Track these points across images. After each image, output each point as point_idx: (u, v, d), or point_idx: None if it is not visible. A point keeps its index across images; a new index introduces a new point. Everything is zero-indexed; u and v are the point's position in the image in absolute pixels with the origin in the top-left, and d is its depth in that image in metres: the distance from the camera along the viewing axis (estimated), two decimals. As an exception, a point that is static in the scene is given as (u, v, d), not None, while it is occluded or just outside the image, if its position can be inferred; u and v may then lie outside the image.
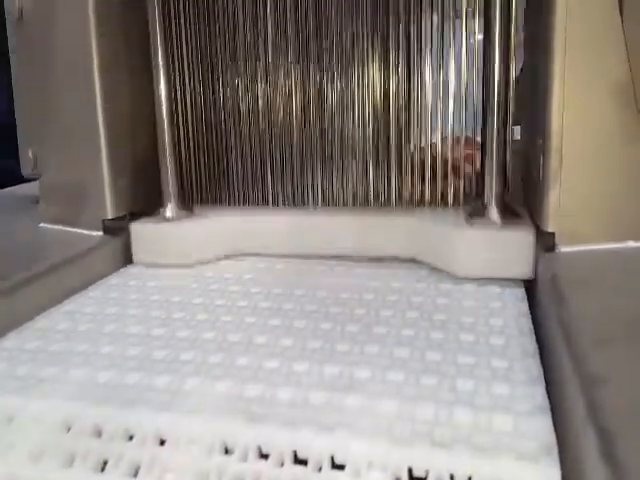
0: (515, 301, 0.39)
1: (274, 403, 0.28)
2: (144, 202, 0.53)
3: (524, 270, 0.42)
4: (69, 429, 0.27)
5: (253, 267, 0.49)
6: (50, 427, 0.27)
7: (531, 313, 0.38)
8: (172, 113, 0.51)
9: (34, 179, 0.60)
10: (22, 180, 0.68)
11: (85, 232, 0.49)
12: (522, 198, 0.50)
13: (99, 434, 0.27)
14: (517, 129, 0.72)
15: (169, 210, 0.51)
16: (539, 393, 0.27)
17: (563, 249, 0.40)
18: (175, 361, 0.32)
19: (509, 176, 0.48)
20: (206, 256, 0.50)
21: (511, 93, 0.48)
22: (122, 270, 0.49)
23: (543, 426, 0.25)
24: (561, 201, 0.40)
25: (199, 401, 0.28)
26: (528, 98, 0.50)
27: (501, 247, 0.42)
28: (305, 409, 0.27)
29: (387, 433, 0.25)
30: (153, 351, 0.33)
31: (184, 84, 0.55)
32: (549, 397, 0.28)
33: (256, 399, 0.28)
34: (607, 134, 0.39)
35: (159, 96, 0.50)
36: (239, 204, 0.55)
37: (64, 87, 0.50)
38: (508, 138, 0.47)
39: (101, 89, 0.48)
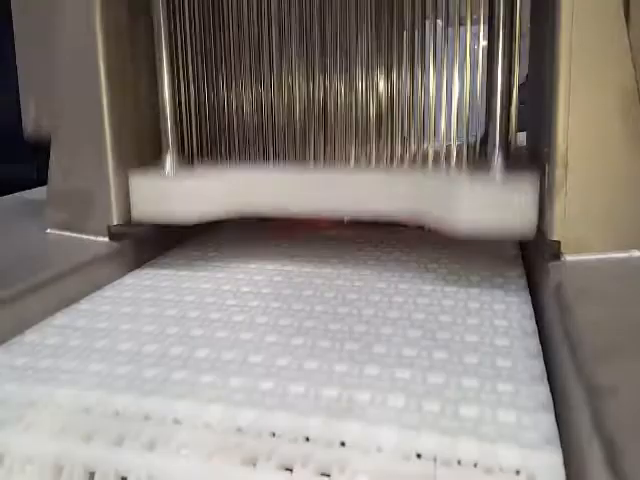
0: (521, 319, 0.39)
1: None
2: None
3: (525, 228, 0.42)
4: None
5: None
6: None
7: (536, 322, 0.38)
8: (172, 67, 0.51)
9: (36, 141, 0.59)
10: (30, 186, 0.68)
11: (91, 238, 0.50)
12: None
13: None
14: (522, 135, 0.72)
15: (169, 165, 0.51)
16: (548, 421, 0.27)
17: (568, 258, 0.40)
18: (190, 357, 0.33)
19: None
20: (206, 213, 0.49)
21: (514, 99, 0.48)
22: (127, 276, 0.49)
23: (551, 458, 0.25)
24: (566, 209, 0.40)
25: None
26: (533, 105, 0.51)
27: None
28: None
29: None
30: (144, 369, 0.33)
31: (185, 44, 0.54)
32: (554, 408, 0.28)
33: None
34: (613, 143, 0.40)
35: (159, 49, 0.50)
36: (240, 161, 0.55)
37: (70, 91, 0.50)
38: (511, 144, 0.47)
39: (107, 93, 0.48)
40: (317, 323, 0.38)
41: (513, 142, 0.48)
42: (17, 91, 0.62)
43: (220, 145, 0.56)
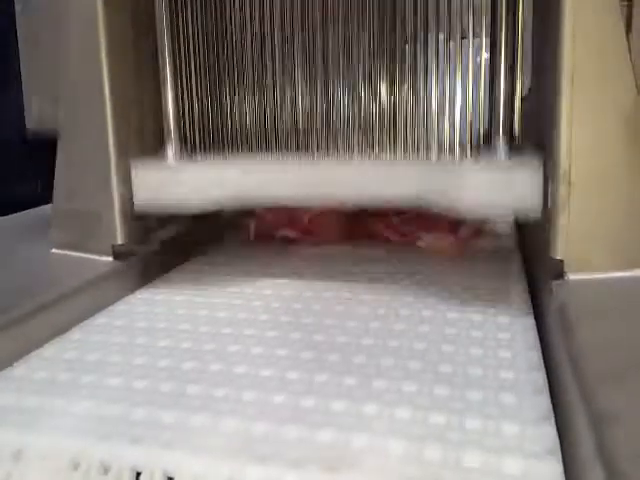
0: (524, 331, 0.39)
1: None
2: (155, 226, 0.54)
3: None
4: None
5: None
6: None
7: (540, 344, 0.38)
8: (175, 53, 0.51)
9: (39, 136, 0.60)
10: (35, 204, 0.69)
11: (96, 258, 0.50)
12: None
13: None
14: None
15: (170, 155, 0.51)
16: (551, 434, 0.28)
17: (572, 277, 0.40)
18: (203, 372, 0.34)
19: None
20: (206, 202, 0.49)
21: (517, 112, 0.48)
22: (131, 296, 0.49)
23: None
24: (569, 228, 0.40)
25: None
26: (535, 122, 0.51)
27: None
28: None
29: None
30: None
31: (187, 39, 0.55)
32: (558, 434, 0.28)
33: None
34: (616, 161, 0.40)
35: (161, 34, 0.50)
36: (241, 151, 0.55)
37: (74, 110, 0.51)
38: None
39: (112, 108, 0.49)
40: (326, 337, 0.39)
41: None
42: (21, 107, 0.62)
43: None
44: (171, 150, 0.51)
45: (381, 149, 0.54)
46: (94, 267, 0.48)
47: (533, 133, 0.50)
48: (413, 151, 0.53)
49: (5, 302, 0.40)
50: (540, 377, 0.32)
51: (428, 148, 0.53)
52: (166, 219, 0.57)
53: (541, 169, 0.42)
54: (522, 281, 0.49)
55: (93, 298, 0.45)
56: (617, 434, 0.22)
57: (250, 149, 0.56)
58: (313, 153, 0.55)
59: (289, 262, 0.57)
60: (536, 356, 0.35)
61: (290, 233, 0.63)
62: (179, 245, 0.58)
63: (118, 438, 0.28)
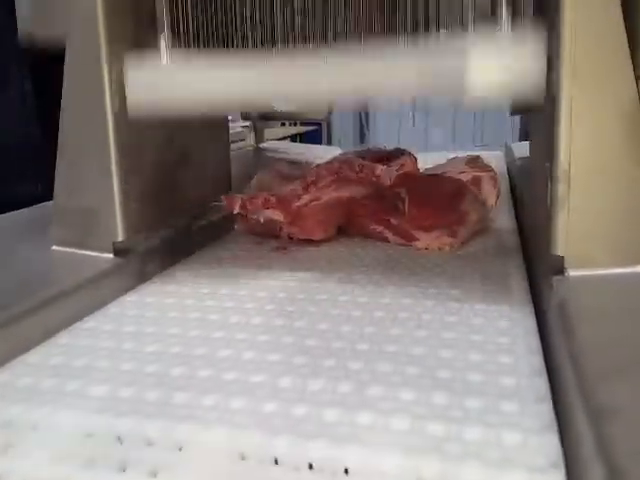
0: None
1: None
2: (155, 223, 0.54)
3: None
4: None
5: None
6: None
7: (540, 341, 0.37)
8: None
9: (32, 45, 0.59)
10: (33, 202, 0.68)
11: (96, 254, 0.50)
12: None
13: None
14: (527, 145, 0.72)
15: (163, 51, 0.49)
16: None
17: (572, 273, 0.40)
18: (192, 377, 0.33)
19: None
20: (201, 103, 0.48)
21: None
22: (131, 292, 0.49)
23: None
24: (570, 225, 0.40)
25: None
26: (535, 121, 0.50)
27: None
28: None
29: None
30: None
31: None
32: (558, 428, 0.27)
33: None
34: (615, 158, 0.40)
35: None
36: (239, 46, 0.52)
37: (75, 109, 0.50)
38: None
39: (112, 110, 0.49)
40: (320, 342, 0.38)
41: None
42: (20, 108, 0.62)
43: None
44: (164, 46, 0.49)
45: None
46: (95, 264, 0.48)
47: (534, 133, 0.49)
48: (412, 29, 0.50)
49: (5, 300, 0.40)
50: (542, 384, 0.31)
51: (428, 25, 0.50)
52: (166, 215, 0.56)
53: (543, 46, 0.40)
54: (523, 281, 0.48)
55: (94, 294, 0.45)
56: (618, 430, 0.22)
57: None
58: (310, 39, 0.51)
59: (284, 263, 0.56)
60: (538, 361, 0.34)
61: (277, 216, 0.59)
62: (179, 242, 0.58)
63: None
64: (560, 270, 0.40)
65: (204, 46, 0.52)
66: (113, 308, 0.45)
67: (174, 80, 0.48)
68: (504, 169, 1.00)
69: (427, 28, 0.47)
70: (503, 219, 0.68)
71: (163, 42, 0.50)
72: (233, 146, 0.99)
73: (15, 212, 0.72)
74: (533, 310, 0.42)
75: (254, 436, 0.28)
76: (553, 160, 0.40)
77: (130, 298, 0.47)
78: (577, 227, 0.40)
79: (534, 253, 0.52)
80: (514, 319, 0.40)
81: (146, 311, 0.44)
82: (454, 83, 0.41)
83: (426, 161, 0.86)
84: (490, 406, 0.29)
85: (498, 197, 0.69)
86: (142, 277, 0.52)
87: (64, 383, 0.33)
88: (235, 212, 0.61)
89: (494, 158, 0.99)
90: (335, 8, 0.50)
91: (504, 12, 0.42)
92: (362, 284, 0.48)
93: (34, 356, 0.37)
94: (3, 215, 0.70)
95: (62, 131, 0.52)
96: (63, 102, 0.51)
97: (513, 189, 0.85)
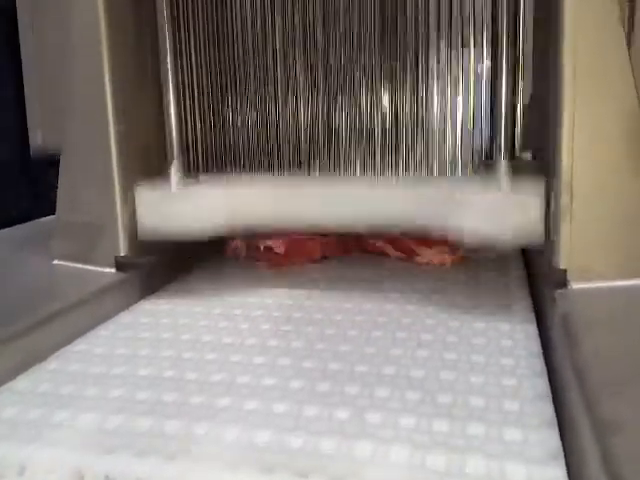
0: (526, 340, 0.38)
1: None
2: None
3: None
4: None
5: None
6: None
7: (543, 353, 0.37)
8: (177, 79, 0.51)
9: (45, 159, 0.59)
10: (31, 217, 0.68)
11: (98, 269, 0.50)
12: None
13: None
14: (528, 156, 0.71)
15: (174, 178, 0.50)
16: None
17: (575, 286, 0.39)
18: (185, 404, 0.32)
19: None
20: (209, 225, 0.49)
21: (519, 118, 0.47)
22: (134, 306, 0.49)
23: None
24: (572, 237, 0.39)
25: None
26: (537, 131, 0.50)
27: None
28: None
29: None
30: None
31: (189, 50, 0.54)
32: (562, 443, 0.27)
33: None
34: (617, 169, 0.39)
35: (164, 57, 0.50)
36: (245, 171, 0.54)
37: (78, 124, 0.50)
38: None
39: (115, 123, 0.48)
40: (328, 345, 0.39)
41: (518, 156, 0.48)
42: (20, 117, 0.63)
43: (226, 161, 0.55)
44: (174, 173, 0.50)
45: (383, 154, 0.52)
46: (97, 279, 0.48)
47: (534, 141, 0.50)
48: (415, 169, 0.52)
49: (8, 315, 0.40)
50: (548, 409, 0.30)
51: (429, 167, 0.52)
52: None
53: (542, 195, 0.41)
54: (525, 298, 0.47)
55: (96, 310, 0.45)
56: (621, 443, 0.22)
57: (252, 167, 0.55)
58: (315, 170, 0.53)
59: (280, 280, 0.55)
60: (542, 384, 0.33)
61: (277, 248, 0.59)
62: (180, 256, 0.58)
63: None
64: (563, 283, 0.40)
65: (213, 170, 0.54)
66: (104, 330, 0.44)
67: (182, 206, 0.49)
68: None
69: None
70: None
71: (173, 169, 0.51)
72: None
73: (14, 227, 0.71)
74: (536, 328, 0.41)
75: (250, 474, 0.26)
76: (555, 172, 0.39)
77: (124, 320, 0.46)
78: (580, 240, 0.39)
79: (536, 265, 0.51)
80: (517, 339, 0.39)
81: (140, 331, 0.43)
82: (452, 230, 0.43)
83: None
84: (493, 433, 0.28)
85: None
86: (144, 291, 0.51)
87: (52, 412, 0.32)
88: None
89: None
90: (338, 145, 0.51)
91: (503, 171, 0.43)
92: (359, 302, 0.47)
93: (22, 383, 0.36)
94: (3, 230, 0.69)
95: (65, 147, 0.51)
96: (66, 120, 0.51)
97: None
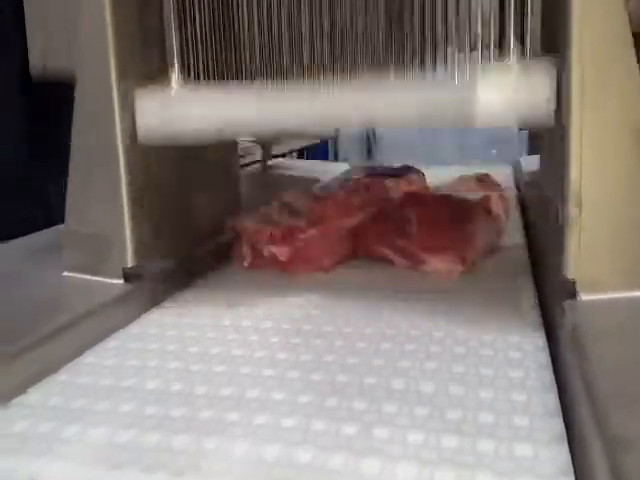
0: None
1: None
2: (164, 250, 0.54)
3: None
4: None
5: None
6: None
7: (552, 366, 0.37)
8: None
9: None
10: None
11: (107, 280, 0.50)
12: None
13: None
14: (536, 159, 0.70)
15: (173, 83, 0.50)
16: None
17: (584, 297, 0.39)
18: (194, 419, 0.32)
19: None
20: (208, 132, 0.49)
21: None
22: (143, 317, 0.49)
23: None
24: (581, 248, 0.39)
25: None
26: (546, 141, 0.50)
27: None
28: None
29: None
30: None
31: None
32: (572, 458, 0.27)
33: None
34: (626, 179, 0.39)
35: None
36: (247, 79, 0.52)
37: (86, 138, 0.51)
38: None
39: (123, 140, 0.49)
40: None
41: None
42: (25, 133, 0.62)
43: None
44: (174, 78, 0.50)
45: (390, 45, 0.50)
46: (105, 290, 0.49)
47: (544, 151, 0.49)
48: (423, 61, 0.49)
49: (20, 327, 0.41)
50: (558, 424, 0.30)
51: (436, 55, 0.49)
52: (174, 242, 0.56)
53: (554, 75, 0.40)
54: (534, 308, 0.47)
55: (105, 321, 0.46)
56: (631, 460, 0.22)
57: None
58: (317, 71, 0.51)
59: (289, 290, 0.55)
60: (552, 399, 0.33)
61: (281, 255, 0.58)
62: (187, 266, 0.58)
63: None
64: (572, 294, 0.39)
65: (213, 79, 0.52)
66: (113, 342, 0.44)
67: (182, 109, 0.49)
68: (513, 184, 0.99)
69: (434, 58, 0.47)
70: (512, 237, 0.67)
71: (173, 75, 0.50)
72: (241, 161, 0.98)
73: (23, 238, 0.72)
74: (545, 340, 0.41)
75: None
76: (564, 183, 0.39)
77: (133, 330, 0.46)
78: (589, 250, 0.39)
79: (544, 274, 0.51)
80: (526, 351, 0.39)
81: (149, 343, 0.43)
82: (462, 115, 0.41)
83: (434, 176, 0.85)
84: (502, 450, 0.28)
85: (508, 217, 0.68)
86: (153, 302, 0.51)
87: (62, 426, 0.32)
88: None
89: (503, 174, 0.98)
90: (342, 38, 0.50)
91: (512, 43, 0.42)
92: (367, 314, 0.47)
93: (33, 396, 0.36)
94: (13, 240, 0.70)
95: (73, 158, 0.51)
96: (73, 130, 0.51)
97: (522, 205, 0.83)
